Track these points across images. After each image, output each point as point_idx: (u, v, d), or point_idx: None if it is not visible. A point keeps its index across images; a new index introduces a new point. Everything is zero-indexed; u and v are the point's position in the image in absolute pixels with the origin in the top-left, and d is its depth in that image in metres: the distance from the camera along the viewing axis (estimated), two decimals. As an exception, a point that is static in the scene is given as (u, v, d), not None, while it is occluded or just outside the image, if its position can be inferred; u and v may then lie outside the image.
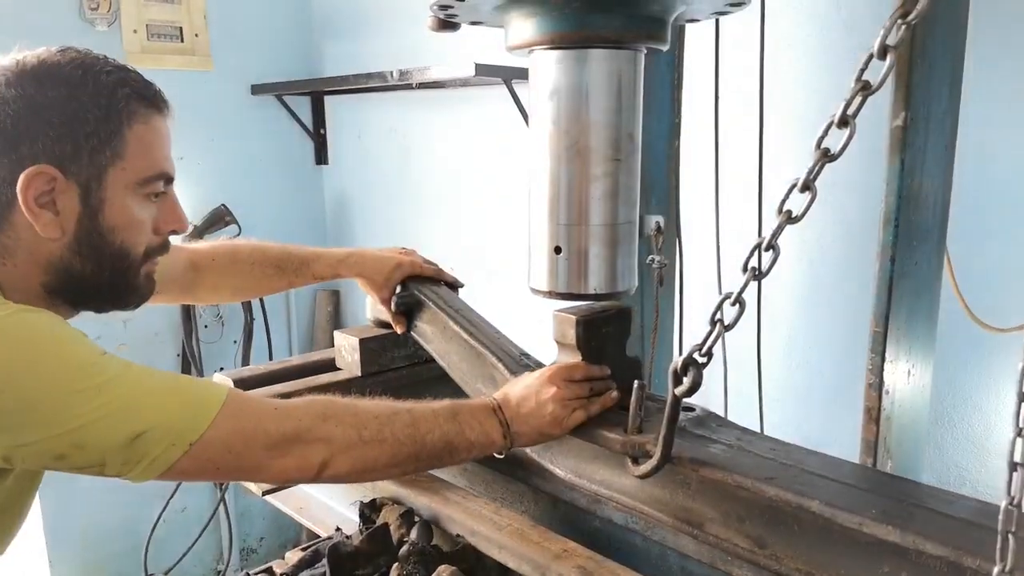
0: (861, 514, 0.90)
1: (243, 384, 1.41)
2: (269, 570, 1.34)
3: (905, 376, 1.46)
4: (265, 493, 1.32)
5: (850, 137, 0.83)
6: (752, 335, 1.92)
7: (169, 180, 1.09)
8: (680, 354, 1.90)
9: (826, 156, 0.85)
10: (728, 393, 1.92)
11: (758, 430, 1.67)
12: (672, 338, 1.89)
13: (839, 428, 2.05)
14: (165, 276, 1.22)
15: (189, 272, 1.42)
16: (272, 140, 3.60)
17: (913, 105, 1.32)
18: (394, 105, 3.31)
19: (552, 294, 1.21)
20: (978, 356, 1.85)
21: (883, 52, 0.80)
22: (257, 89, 3.46)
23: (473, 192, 3.05)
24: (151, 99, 1.06)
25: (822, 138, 0.84)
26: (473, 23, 1.26)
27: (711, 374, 0.94)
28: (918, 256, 1.43)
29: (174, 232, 1.13)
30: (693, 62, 1.81)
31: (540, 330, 2.13)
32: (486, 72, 2.39)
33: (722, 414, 1.33)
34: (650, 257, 1.70)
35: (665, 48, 1.15)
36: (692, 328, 1.88)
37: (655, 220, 1.75)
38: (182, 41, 3.24)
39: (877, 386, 1.41)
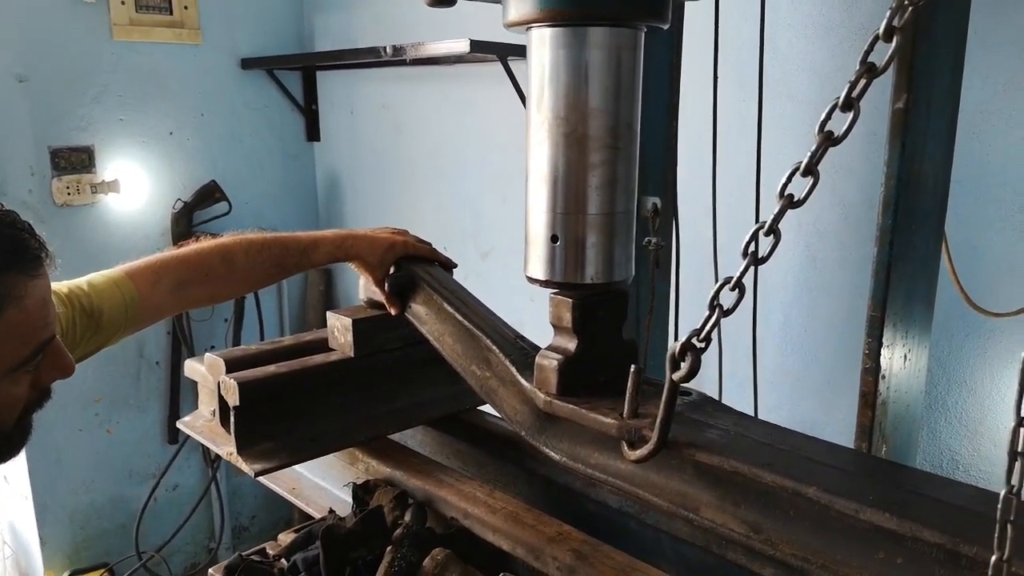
0: (858, 500, 0.89)
1: (235, 364, 1.39)
2: (262, 551, 1.33)
3: (901, 361, 1.46)
4: (257, 474, 1.30)
5: (854, 120, 0.81)
6: (747, 318, 1.92)
7: (49, 343, 0.96)
8: (677, 338, 1.90)
9: (829, 140, 0.83)
10: (723, 376, 1.91)
11: (752, 413, 1.67)
12: (668, 321, 1.88)
13: (833, 412, 2.05)
14: (151, 306, 1.23)
15: (179, 290, 1.30)
16: (263, 116, 3.55)
17: (915, 88, 1.30)
18: (387, 81, 3.26)
19: (549, 283, 1.19)
20: (973, 341, 1.85)
21: (889, 34, 0.78)
22: (247, 63, 3.41)
23: (466, 171, 3.03)
24: (24, 266, 0.90)
25: (825, 121, 0.82)
26: (470, -2, 1.23)
27: (706, 357, 0.93)
28: (917, 240, 1.42)
29: (58, 378, 1.01)
30: (691, 42, 1.79)
31: (532, 310, 2.12)
32: (481, 49, 2.35)
33: (716, 397, 1.33)
34: (647, 239, 1.68)
35: (665, 26, 1.12)
36: (689, 311, 1.87)
37: (652, 201, 1.73)
38: (171, 14, 3.18)
39: (873, 371, 1.41)
